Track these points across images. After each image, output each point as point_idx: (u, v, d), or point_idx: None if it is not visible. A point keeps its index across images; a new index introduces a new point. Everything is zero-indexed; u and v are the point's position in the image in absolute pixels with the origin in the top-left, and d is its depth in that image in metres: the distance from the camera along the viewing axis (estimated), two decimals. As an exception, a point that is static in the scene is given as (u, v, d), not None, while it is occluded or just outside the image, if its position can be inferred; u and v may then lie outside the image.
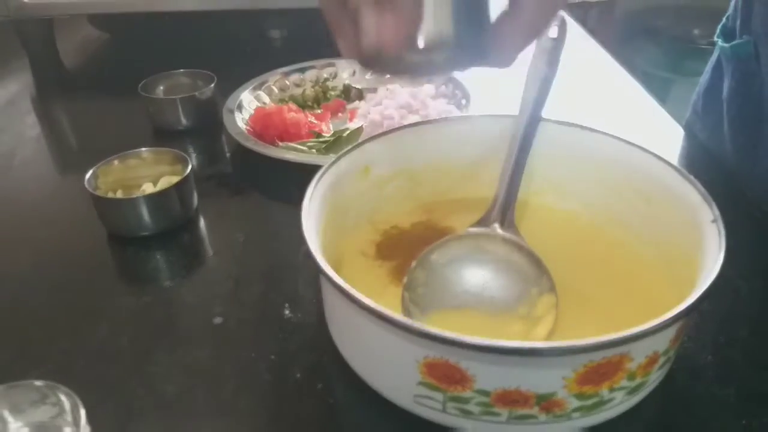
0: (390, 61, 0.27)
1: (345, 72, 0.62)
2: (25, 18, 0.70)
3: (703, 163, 0.47)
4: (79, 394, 0.28)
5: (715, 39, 0.50)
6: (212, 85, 0.57)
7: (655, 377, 0.29)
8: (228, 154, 0.54)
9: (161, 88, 0.59)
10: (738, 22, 0.46)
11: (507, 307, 0.31)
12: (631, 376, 0.26)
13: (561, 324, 0.30)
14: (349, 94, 0.61)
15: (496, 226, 0.33)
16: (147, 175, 0.44)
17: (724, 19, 0.50)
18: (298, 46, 0.75)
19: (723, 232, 0.29)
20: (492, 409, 0.26)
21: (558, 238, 0.37)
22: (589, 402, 0.26)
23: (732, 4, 0.48)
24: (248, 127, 0.53)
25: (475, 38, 0.27)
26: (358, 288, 0.26)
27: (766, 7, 0.42)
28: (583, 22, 0.80)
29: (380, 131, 0.38)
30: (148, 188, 0.43)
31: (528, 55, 0.38)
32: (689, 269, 0.30)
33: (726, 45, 0.47)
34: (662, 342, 0.27)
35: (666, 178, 0.34)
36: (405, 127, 0.39)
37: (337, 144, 0.50)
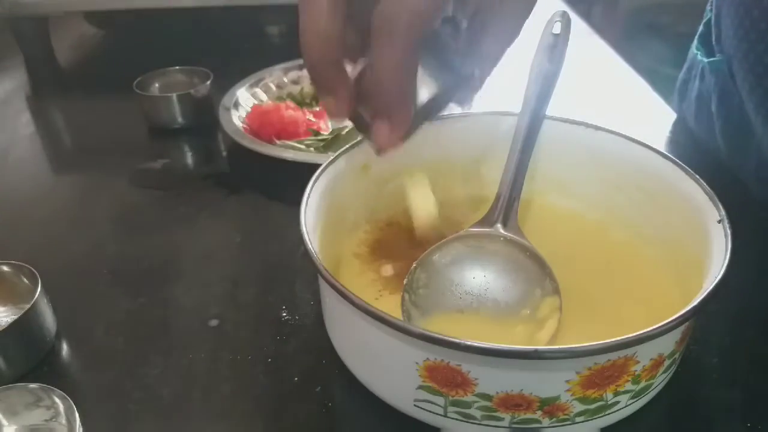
0: None
1: (344, 69, 0.62)
2: (20, 15, 0.69)
3: (707, 162, 0.47)
4: (73, 397, 0.28)
5: (694, 50, 0.50)
6: (208, 82, 0.56)
7: (661, 380, 0.28)
8: (224, 153, 0.54)
9: (156, 85, 0.58)
10: (713, 36, 0.46)
11: (510, 309, 0.30)
12: (636, 380, 0.26)
13: (565, 326, 0.30)
14: (348, 91, 0.60)
15: (499, 225, 0.33)
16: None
17: (701, 27, 0.49)
18: (295, 42, 0.74)
19: (729, 232, 0.28)
20: (494, 413, 0.26)
21: (562, 238, 0.37)
22: (593, 406, 0.26)
23: (707, 9, 0.48)
24: (245, 125, 0.52)
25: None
26: (357, 289, 0.26)
27: (734, 28, 0.41)
28: (587, 18, 0.79)
29: (379, 129, 0.38)
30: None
31: (532, 51, 0.37)
32: (695, 270, 0.30)
33: (705, 60, 0.47)
34: (668, 344, 0.26)
35: (671, 177, 0.33)
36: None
37: (335, 142, 0.49)
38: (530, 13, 0.28)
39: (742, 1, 0.40)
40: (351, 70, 0.27)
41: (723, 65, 0.44)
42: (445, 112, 0.31)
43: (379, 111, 0.26)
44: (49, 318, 0.34)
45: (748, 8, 0.40)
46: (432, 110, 0.29)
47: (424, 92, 0.27)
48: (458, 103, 0.31)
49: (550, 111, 0.36)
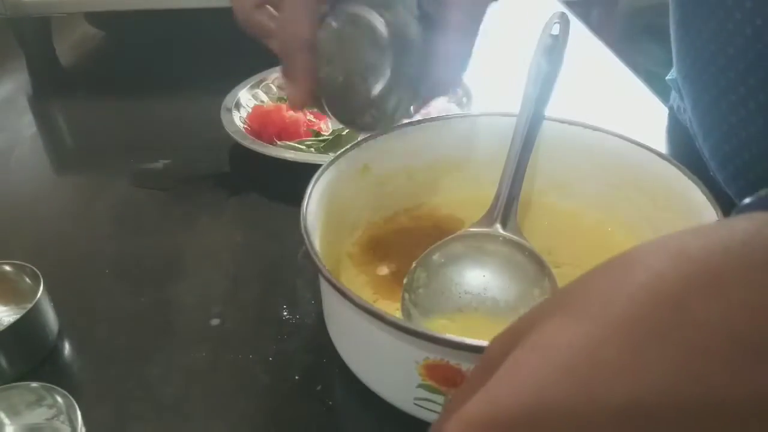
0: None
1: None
2: (22, 16, 0.70)
3: (704, 163, 0.47)
4: (75, 395, 0.28)
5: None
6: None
7: (659, 379, 0.28)
8: (225, 153, 0.54)
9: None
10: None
11: (509, 308, 0.30)
12: (635, 379, 0.26)
13: (563, 325, 0.30)
14: (348, 92, 0.60)
15: (498, 226, 0.33)
16: None
17: None
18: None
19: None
20: (493, 411, 0.26)
21: (561, 239, 0.37)
22: (592, 404, 0.26)
23: None
24: (246, 126, 0.52)
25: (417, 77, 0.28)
26: (357, 289, 0.26)
27: (677, 51, 0.42)
28: (585, 19, 0.79)
29: (380, 130, 0.38)
30: None
31: (531, 52, 0.37)
32: (693, 270, 0.30)
33: (669, 78, 0.49)
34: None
35: (669, 177, 0.33)
36: (405, 125, 0.38)
37: (336, 143, 0.50)
38: (480, 19, 0.29)
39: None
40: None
41: (676, 83, 0.46)
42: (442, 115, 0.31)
43: (284, 69, 0.28)
44: (50, 317, 0.34)
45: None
46: (409, 100, 0.29)
47: (400, 86, 0.28)
48: (441, 92, 0.31)
49: (549, 112, 0.37)
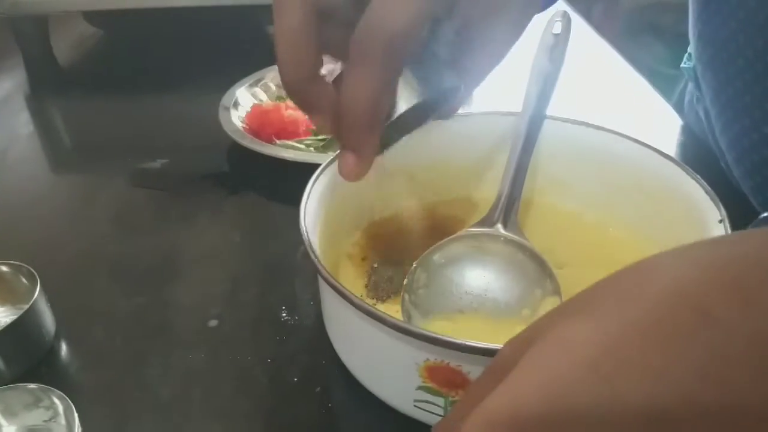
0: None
1: (344, 69, 0.62)
2: (20, 15, 0.69)
3: (708, 161, 0.46)
4: (72, 397, 0.28)
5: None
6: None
7: (661, 381, 0.28)
8: (224, 153, 0.54)
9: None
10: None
11: (510, 310, 0.30)
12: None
13: (565, 326, 0.30)
14: (347, 91, 0.60)
15: (499, 226, 0.32)
16: None
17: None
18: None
19: (730, 232, 0.28)
20: (494, 414, 0.26)
21: (563, 239, 0.36)
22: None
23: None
24: (245, 125, 0.52)
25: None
26: (356, 289, 0.26)
27: (698, 40, 0.42)
28: (587, 17, 0.79)
29: (379, 129, 0.37)
30: None
31: (532, 50, 0.37)
32: (696, 270, 0.30)
33: (683, 65, 0.48)
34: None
35: (672, 177, 0.33)
36: (405, 125, 0.38)
37: (335, 142, 0.49)
38: (520, 33, 0.28)
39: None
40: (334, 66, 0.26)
41: (692, 72, 0.45)
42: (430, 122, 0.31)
43: (345, 140, 0.25)
44: (47, 318, 0.34)
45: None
46: (413, 123, 0.29)
47: (406, 105, 0.27)
48: (442, 116, 0.31)
49: (550, 111, 0.36)
